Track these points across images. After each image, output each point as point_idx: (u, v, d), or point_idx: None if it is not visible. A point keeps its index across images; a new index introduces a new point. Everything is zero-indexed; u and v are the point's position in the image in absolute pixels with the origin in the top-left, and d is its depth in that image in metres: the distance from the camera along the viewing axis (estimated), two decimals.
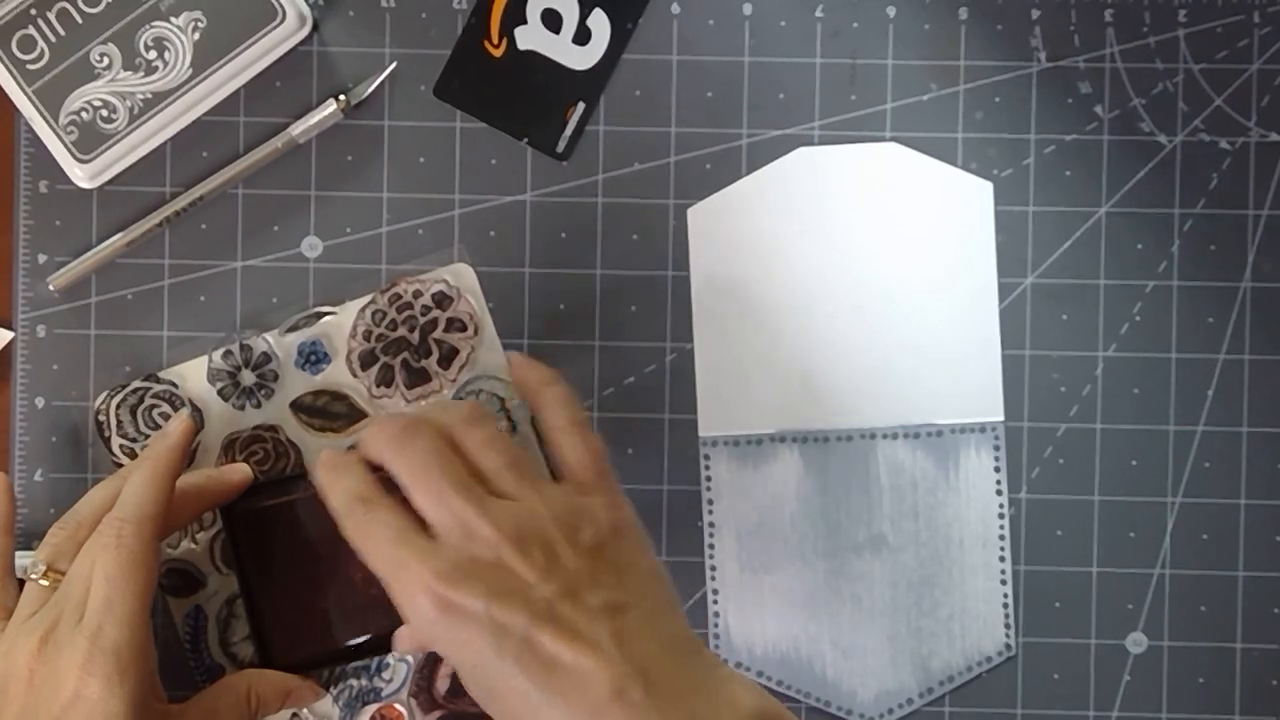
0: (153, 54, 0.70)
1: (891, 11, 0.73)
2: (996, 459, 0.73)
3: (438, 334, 0.72)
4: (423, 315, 0.72)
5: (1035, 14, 0.73)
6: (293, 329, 0.73)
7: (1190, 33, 0.73)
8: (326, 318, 0.73)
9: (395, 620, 0.60)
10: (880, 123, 0.73)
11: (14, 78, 0.70)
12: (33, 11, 0.70)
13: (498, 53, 0.73)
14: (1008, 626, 0.73)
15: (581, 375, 0.73)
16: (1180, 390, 0.73)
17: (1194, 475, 0.73)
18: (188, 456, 0.70)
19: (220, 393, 0.72)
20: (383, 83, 0.73)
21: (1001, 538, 0.73)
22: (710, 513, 0.73)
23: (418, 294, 0.72)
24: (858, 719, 0.73)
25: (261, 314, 0.73)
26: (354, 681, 0.72)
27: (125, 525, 0.63)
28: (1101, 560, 0.73)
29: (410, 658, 0.72)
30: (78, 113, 0.70)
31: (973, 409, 0.73)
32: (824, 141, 0.73)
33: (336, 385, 0.73)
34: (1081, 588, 0.73)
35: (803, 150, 0.73)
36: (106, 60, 0.70)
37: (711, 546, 0.73)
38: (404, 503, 0.60)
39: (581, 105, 0.73)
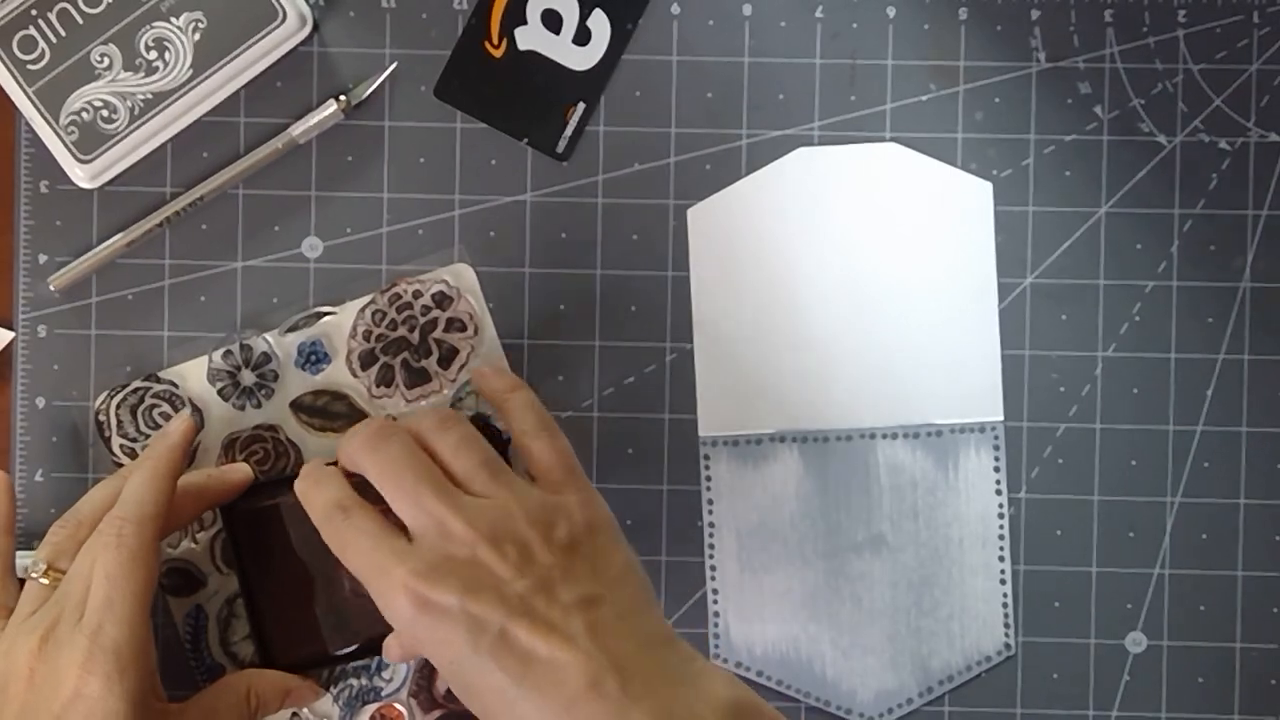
0: (153, 54, 0.70)
1: (891, 12, 0.73)
2: (996, 459, 0.73)
3: (438, 334, 0.72)
4: (423, 315, 0.72)
5: (1035, 14, 0.73)
6: (293, 329, 0.73)
7: (1190, 33, 0.73)
8: (326, 318, 0.73)
9: None
10: (880, 123, 0.73)
11: (14, 78, 0.70)
12: (33, 12, 0.70)
13: (498, 53, 0.73)
14: (1007, 626, 0.73)
15: (581, 375, 0.73)
16: (1180, 390, 0.73)
17: (1193, 475, 0.73)
18: (188, 456, 0.70)
19: (220, 393, 0.72)
20: (383, 83, 0.73)
21: (1001, 537, 0.73)
22: (710, 513, 0.73)
23: (418, 294, 0.72)
24: (857, 719, 0.73)
25: (262, 314, 0.73)
26: (354, 681, 0.72)
27: (126, 524, 0.63)
28: (1101, 560, 0.73)
29: None
30: (78, 113, 0.70)
31: (972, 409, 0.73)
32: (824, 142, 0.73)
33: (336, 385, 0.73)
34: (1081, 587, 0.73)
35: (802, 151, 0.73)
36: (107, 60, 0.70)
37: (711, 546, 0.73)
38: (383, 511, 0.60)
39: (581, 105, 0.73)
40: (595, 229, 0.73)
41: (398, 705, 0.72)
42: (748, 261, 0.73)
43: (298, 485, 0.63)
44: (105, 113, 0.70)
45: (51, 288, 0.72)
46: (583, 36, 0.73)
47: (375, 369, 0.72)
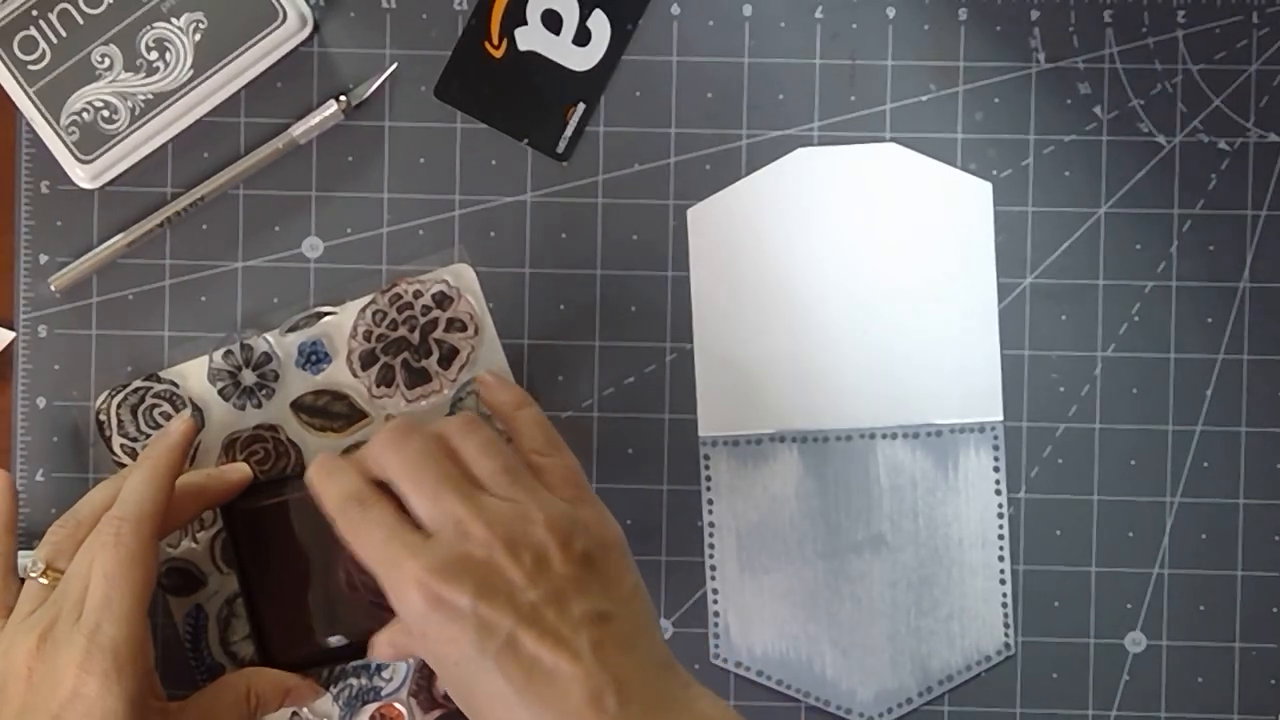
0: (154, 55, 0.70)
1: (891, 12, 0.73)
2: (996, 459, 0.73)
3: (438, 334, 0.72)
4: (423, 315, 0.72)
5: (1034, 15, 0.73)
6: (293, 329, 0.73)
7: (1189, 33, 0.73)
8: (327, 318, 0.73)
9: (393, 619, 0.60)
10: (880, 123, 0.73)
11: (15, 78, 0.70)
12: (34, 12, 0.70)
13: (498, 53, 0.73)
14: (1007, 626, 0.73)
15: (581, 375, 0.73)
16: (1179, 390, 0.73)
17: (1193, 475, 0.73)
18: (188, 456, 0.70)
19: (221, 392, 0.73)
20: (383, 83, 0.73)
21: (1001, 537, 0.73)
22: (710, 513, 0.73)
23: (418, 294, 0.72)
24: (857, 718, 0.73)
25: (262, 314, 0.73)
26: (354, 680, 0.72)
27: (124, 524, 0.63)
28: (1100, 560, 0.73)
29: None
30: (79, 113, 0.70)
31: (972, 409, 0.73)
32: (824, 142, 0.73)
33: (337, 385, 0.73)
34: (1080, 587, 0.73)
35: (802, 151, 0.73)
36: (108, 61, 0.70)
37: (711, 546, 0.73)
38: (398, 504, 0.60)
39: (581, 106, 0.73)
40: (595, 229, 0.73)
41: (397, 705, 0.73)
42: (748, 261, 0.73)
43: (310, 475, 0.63)
44: (106, 113, 0.70)
45: (52, 288, 0.72)
46: (583, 37, 0.73)
47: (376, 369, 0.72)
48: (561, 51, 0.73)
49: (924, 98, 0.73)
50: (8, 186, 0.73)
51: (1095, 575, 0.73)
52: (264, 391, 0.73)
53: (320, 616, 0.68)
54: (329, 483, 0.62)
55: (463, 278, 0.73)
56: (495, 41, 0.73)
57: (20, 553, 0.68)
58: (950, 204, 0.73)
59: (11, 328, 0.73)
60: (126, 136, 0.70)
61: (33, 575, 0.65)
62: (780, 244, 0.73)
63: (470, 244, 0.73)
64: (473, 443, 0.62)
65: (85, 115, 0.70)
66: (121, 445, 0.72)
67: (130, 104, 0.70)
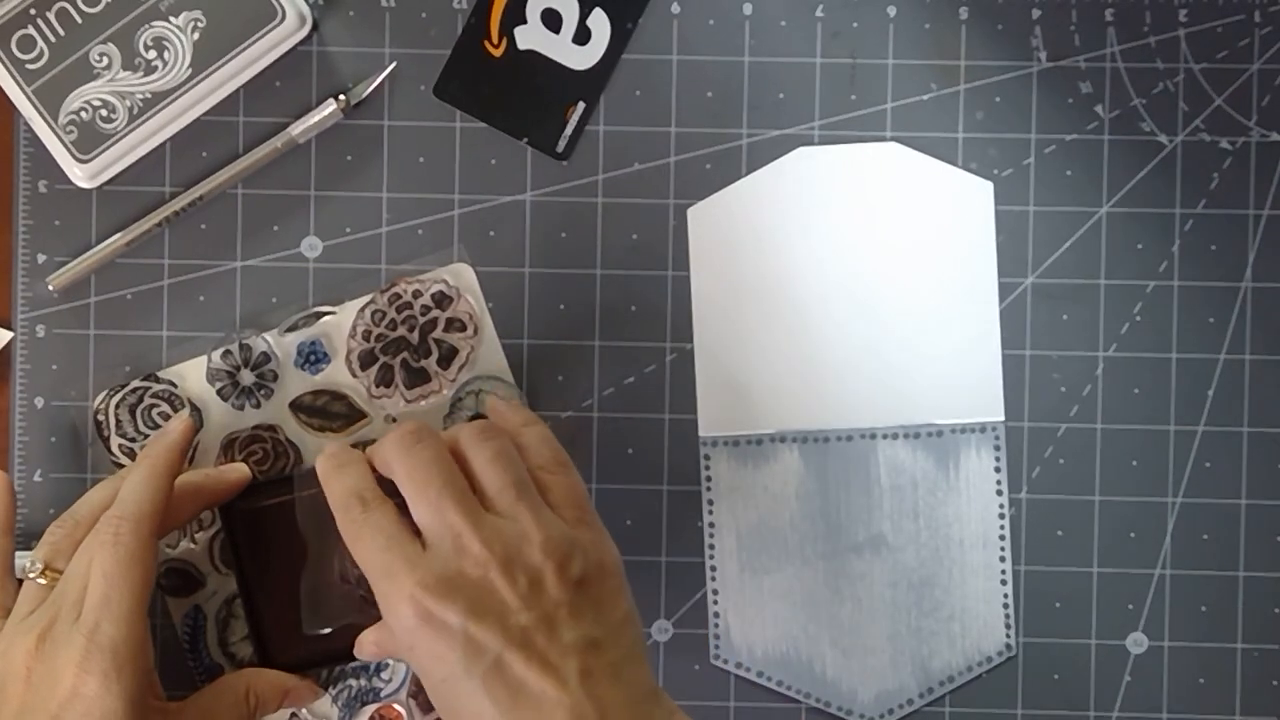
0: (152, 54, 0.70)
1: (891, 11, 0.73)
2: (997, 459, 0.73)
3: (437, 334, 0.72)
4: (422, 315, 0.72)
5: (1036, 14, 0.73)
6: (292, 329, 0.73)
7: (1191, 32, 0.73)
8: (326, 318, 0.73)
9: None
10: (880, 123, 0.73)
11: (13, 77, 0.70)
12: (32, 11, 0.70)
13: (498, 53, 0.73)
14: (1008, 626, 0.73)
15: (581, 375, 0.73)
16: (1180, 390, 0.73)
17: (1194, 475, 0.73)
18: (187, 456, 0.70)
19: (220, 392, 0.72)
20: (382, 83, 0.73)
21: (1002, 538, 0.73)
22: (710, 513, 0.73)
23: (417, 294, 0.72)
24: (858, 719, 0.73)
25: (261, 314, 0.73)
26: (353, 681, 0.72)
27: (123, 523, 0.63)
28: (1102, 560, 0.73)
29: None
30: (77, 112, 0.70)
31: (973, 409, 0.73)
32: (824, 141, 0.73)
33: (336, 385, 0.73)
34: (1082, 588, 0.73)
35: (803, 150, 0.73)
36: (106, 60, 0.70)
37: (711, 546, 0.73)
38: (400, 509, 0.60)
39: (581, 105, 0.73)
40: (595, 229, 0.73)
41: (396, 706, 0.72)
42: (748, 261, 0.73)
43: (318, 464, 0.62)
44: (104, 112, 0.70)
45: (50, 287, 0.72)
46: (583, 36, 0.73)
47: (375, 369, 0.72)
48: (561, 50, 0.73)
49: (925, 97, 0.73)
50: (6, 186, 0.73)
51: (1097, 576, 0.73)
52: (263, 391, 0.72)
53: (309, 608, 0.68)
54: (336, 476, 0.62)
55: (462, 277, 0.73)
56: (495, 40, 0.73)
57: (18, 553, 0.68)
58: (951, 203, 0.73)
59: (9, 328, 0.73)
60: (125, 136, 0.70)
61: (31, 575, 0.64)
62: (780, 244, 0.73)
63: (470, 244, 0.73)
64: (485, 453, 0.61)
65: (83, 114, 0.70)
66: (120, 445, 0.72)
67: (128, 103, 0.70)
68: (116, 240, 0.72)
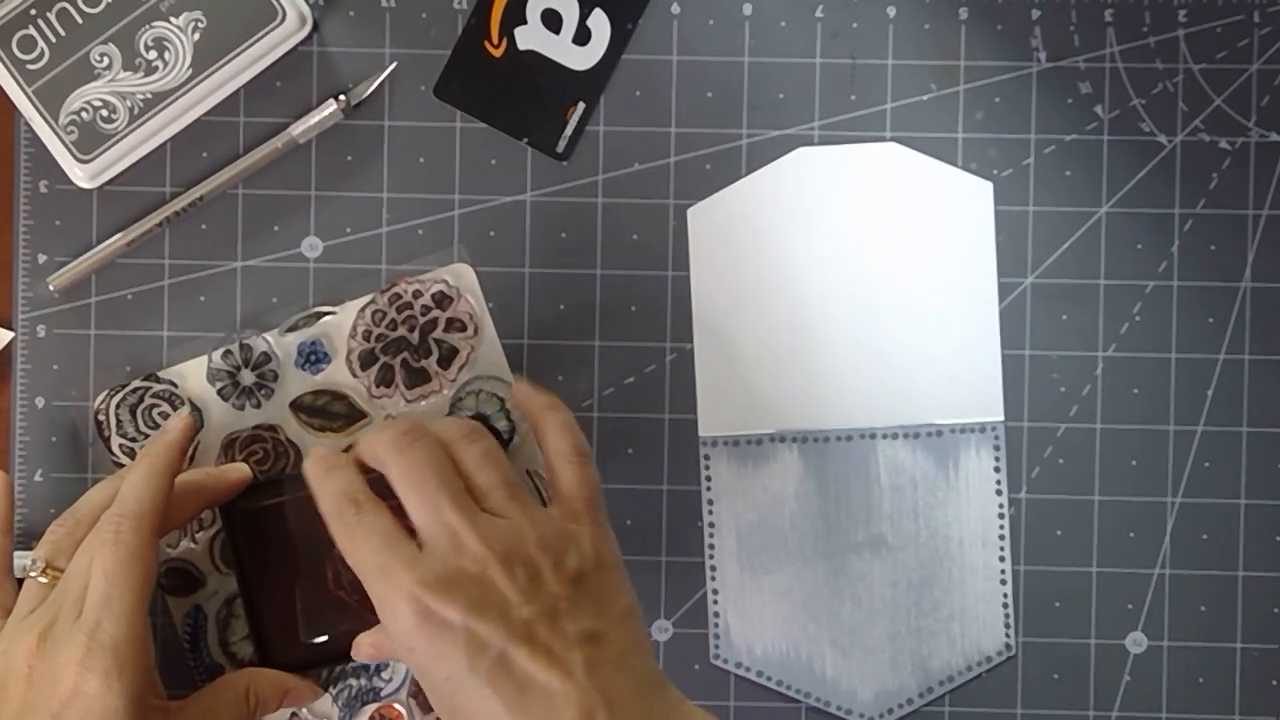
0: (153, 54, 0.70)
1: (891, 11, 0.73)
2: (996, 459, 0.73)
3: (438, 334, 0.72)
4: (423, 315, 0.72)
5: (1035, 14, 0.73)
6: (292, 329, 0.73)
7: (1190, 33, 0.73)
8: (326, 318, 0.73)
9: None
10: (880, 123, 0.73)
11: (14, 78, 0.70)
12: (33, 11, 0.70)
13: (498, 53, 0.73)
14: (1007, 626, 0.73)
15: (581, 375, 0.73)
16: (1180, 390, 0.73)
17: (1194, 475, 0.73)
18: (187, 454, 0.70)
19: (220, 392, 0.72)
20: (383, 83, 0.73)
21: (1001, 538, 0.73)
22: (710, 513, 0.73)
23: (418, 294, 0.72)
24: (858, 719, 0.73)
25: (261, 314, 0.73)
26: (353, 681, 0.72)
27: (124, 521, 0.63)
28: (1101, 560, 0.73)
29: None
30: (78, 113, 0.70)
31: (973, 409, 0.73)
32: (824, 141, 0.73)
33: (336, 385, 0.73)
34: (1081, 588, 0.73)
35: (803, 150, 0.73)
36: (106, 60, 0.70)
37: (711, 546, 0.73)
38: (393, 510, 0.60)
39: (581, 105, 0.73)
40: (595, 229, 0.73)
41: (397, 705, 0.72)
42: (748, 261, 0.73)
43: (307, 468, 0.62)
44: (105, 112, 0.70)
45: (51, 287, 0.72)
46: (583, 36, 0.73)
47: (375, 369, 0.72)
48: (561, 51, 0.73)
49: (924, 97, 0.73)
50: (6, 186, 0.73)
51: (1096, 576, 0.73)
52: (263, 391, 0.72)
53: (306, 615, 0.68)
54: (325, 479, 0.61)
55: (462, 277, 0.73)
56: (495, 41, 0.73)
57: (18, 552, 0.68)
58: (951, 204, 0.73)
59: (10, 328, 0.73)
60: (125, 136, 0.70)
61: (32, 574, 0.64)
62: (780, 244, 0.73)
63: (470, 244, 0.73)
64: (474, 453, 0.62)
65: (84, 115, 0.70)
66: (120, 445, 0.72)
67: (129, 103, 0.70)
68: (117, 240, 0.72)
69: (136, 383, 0.72)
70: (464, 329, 0.72)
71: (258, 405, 0.72)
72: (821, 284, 0.73)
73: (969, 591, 0.73)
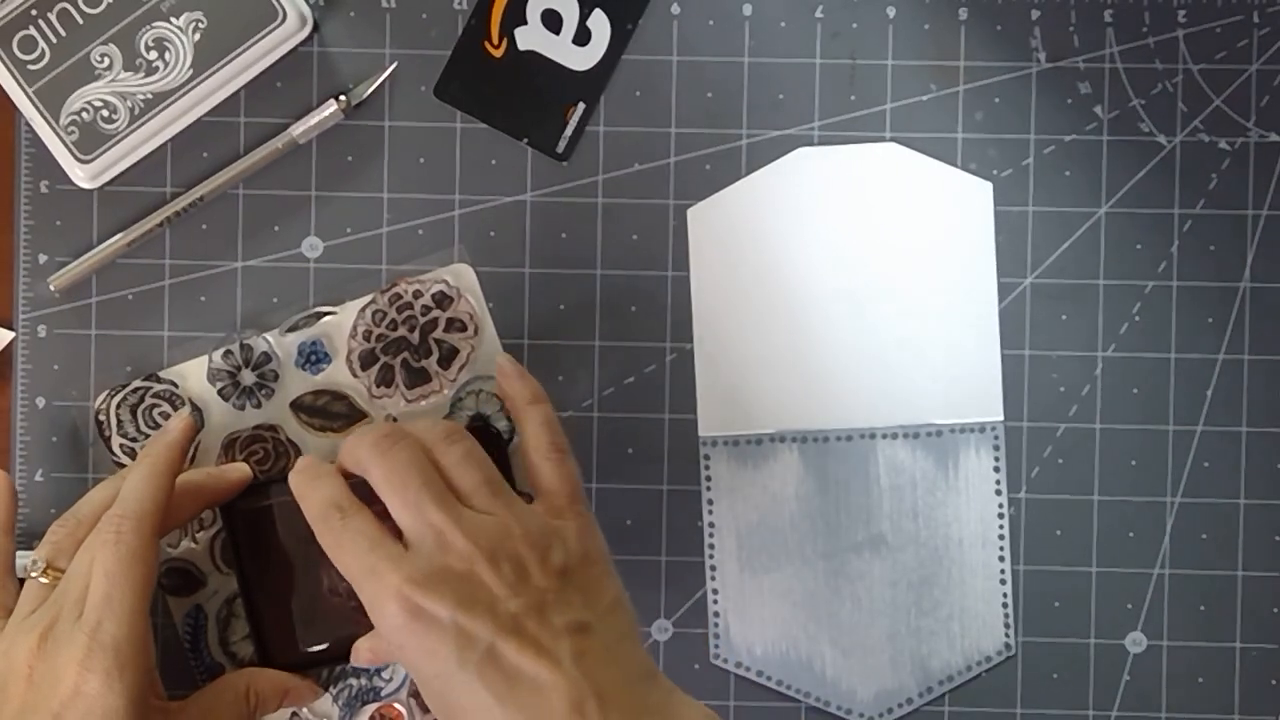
0: (153, 54, 0.70)
1: (891, 12, 0.73)
2: (996, 459, 0.73)
3: (438, 334, 0.72)
4: (423, 315, 0.72)
5: (1035, 14, 0.73)
6: (293, 329, 0.73)
7: (1190, 33, 0.73)
8: (326, 318, 0.73)
9: None
10: (880, 123, 0.73)
11: (15, 78, 0.70)
12: (33, 12, 0.70)
13: (498, 53, 0.73)
14: (1007, 626, 0.73)
15: (581, 375, 0.73)
16: (1180, 390, 0.73)
17: (1193, 475, 0.73)
18: (187, 454, 0.70)
19: (220, 392, 0.72)
20: (383, 83, 0.73)
21: (1001, 538, 0.73)
22: (710, 513, 0.73)
23: (418, 294, 0.72)
24: (857, 719, 0.73)
25: (262, 314, 0.73)
26: (353, 681, 0.72)
27: (124, 521, 0.63)
28: (1101, 560, 0.73)
29: None
30: (78, 113, 0.70)
31: (972, 409, 0.73)
32: (824, 142, 0.73)
33: (336, 385, 0.73)
34: (1081, 587, 0.73)
35: (802, 150, 0.73)
36: (107, 60, 0.70)
37: (711, 546, 0.73)
38: (378, 514, 0.60)
39: (581, 105, 0.73)
40: (595, 229, 0.73)
41: (397, 705, 0.72)
42: (748, 261, 0.73)
43: (292, 479, 0.63)
44: (105, 113, 0.70)
45: (51, 288, 0.72)
46: (583, 36, 0.73)
47: (375, 369, 0.72)
48: (561, 51, 0.73)
49: (924, 97, 0.73)
50: (7, 186, 0.73)
51: (1096, 575, 0.73)
52: (263, 391, 0.73)
53: (303, 622, 0.68)
54: (310, 489, 0.62)
55: (462, 277, 0.73)
56: (495, 41, 0.73)
57: (19, 553, 0.68)
58: (950, 204, 0.73)
59: (11, 328, 0.73)
60: (126, 136, 0.70)
61: (33, 574, 0.65)
62: (780, 244, 0.73)
63: (470, 244, 0.73)
64: (454, 454, 0.62)
65: (85, 115, 0.70)
66: (121, 445, 0.72)
67: (130, 103, 0.70)
68: (118, 240, 0.72)
69: (137, 383, 0.72)
70: (464, 329, 0.72)
71: (258, 405, 0.73)
72: (821, 284, 0.73)
73: (969, 591, 0.73)
